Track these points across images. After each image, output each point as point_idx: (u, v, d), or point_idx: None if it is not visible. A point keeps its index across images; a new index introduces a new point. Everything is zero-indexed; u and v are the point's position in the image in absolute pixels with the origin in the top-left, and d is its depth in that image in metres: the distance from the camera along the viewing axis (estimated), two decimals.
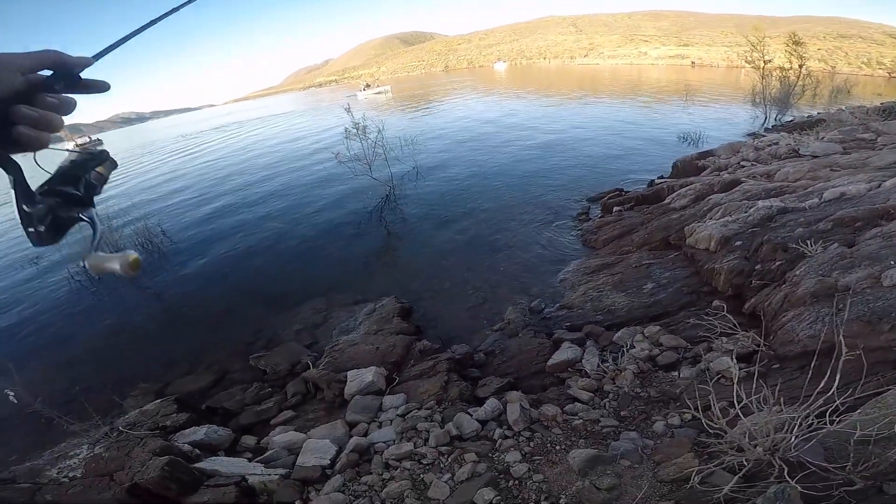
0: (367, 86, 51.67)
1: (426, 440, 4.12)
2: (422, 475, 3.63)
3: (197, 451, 4.89)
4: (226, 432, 5.35)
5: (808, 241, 5.49)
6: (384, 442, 4.29)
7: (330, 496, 3.53)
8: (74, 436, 5.40)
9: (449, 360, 5.70)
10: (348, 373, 5.80)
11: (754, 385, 2.87)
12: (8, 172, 0.59)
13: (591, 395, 4.41)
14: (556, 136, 19.38)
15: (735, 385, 2.95)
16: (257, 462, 4.57)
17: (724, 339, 4.74)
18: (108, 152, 0.72)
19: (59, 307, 10.13)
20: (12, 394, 5.10)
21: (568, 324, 6.18)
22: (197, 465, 4.49)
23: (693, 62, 74.44)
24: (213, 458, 4.75)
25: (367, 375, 5.52)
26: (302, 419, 5.50)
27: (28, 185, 0.61)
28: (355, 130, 12.01)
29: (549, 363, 5.27)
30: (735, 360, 3.45)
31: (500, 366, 5.69)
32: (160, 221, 13.08)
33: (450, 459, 3.72)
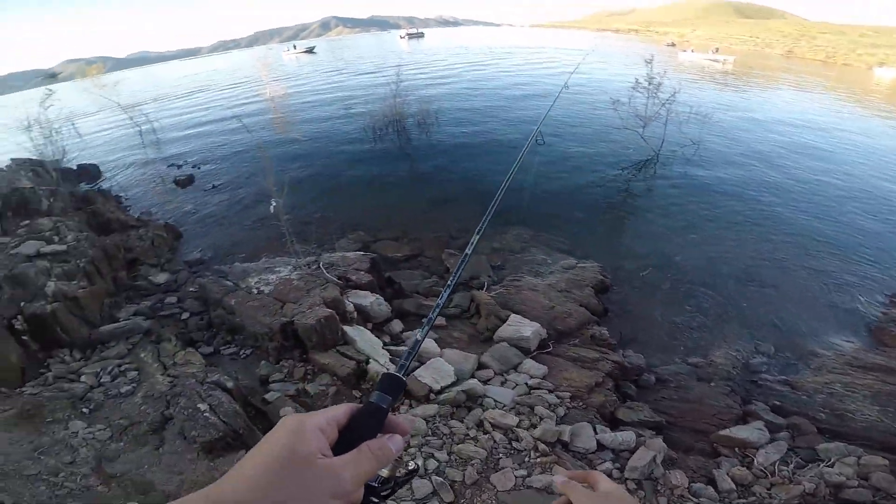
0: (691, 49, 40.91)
1: (533, 426, 3.91)
2: (501, 455, 3.52)
3: (355, 314, 5.53)
4: (386, 308, 5.92)
5: None
6: (496, 401, 4.25)
7: (414, 419, 3.77)
8: (290, 255, 6.68)
9: (616, 364, 5.26)
10: (512, 315, 5.77)
11: None
12: None
13: (735, 487, 3.57)
14: None
15: None
16: (386, 349, 5.02)
17: None
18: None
19: (339, 151, 13.62)
20: (274, 204, 6.43)
21: (777, 402, 4.87)
22: (346, 326, 5.15)
23: None
24: (361, 328, 5.31)
25: (526, 330, 5.43)
26: (447, 332, 5.78)
27: None
28: (647, 84, 11.04)
29: (721, 433, 4.35)
30: None
31: (662, 401, 5.02)
32: (439, 109, 15.84)
33: (538, 459, 3.49)
